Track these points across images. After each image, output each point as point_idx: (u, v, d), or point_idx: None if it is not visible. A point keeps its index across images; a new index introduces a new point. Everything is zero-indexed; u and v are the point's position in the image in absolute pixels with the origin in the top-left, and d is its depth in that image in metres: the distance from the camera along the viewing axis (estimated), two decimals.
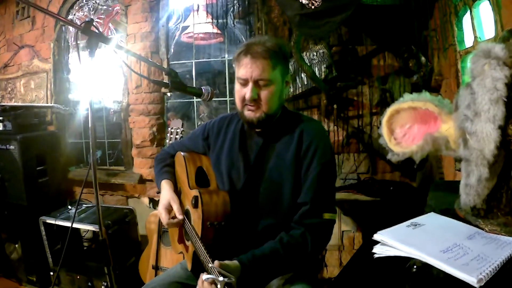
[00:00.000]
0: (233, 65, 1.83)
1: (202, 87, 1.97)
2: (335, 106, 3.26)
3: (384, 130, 1.45)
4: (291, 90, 3.33)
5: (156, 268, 3.03)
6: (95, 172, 1.78)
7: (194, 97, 3.81)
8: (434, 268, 1.01)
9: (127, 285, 2.75)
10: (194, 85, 3.69)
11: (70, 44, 4.24)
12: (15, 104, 4.20)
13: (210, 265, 1.49)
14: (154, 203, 3.83)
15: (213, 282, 1.45)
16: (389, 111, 1.42)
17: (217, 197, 1.81)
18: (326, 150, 1.79)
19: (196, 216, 1.81)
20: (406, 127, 1.41)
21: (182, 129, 2.91)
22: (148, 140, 3.81)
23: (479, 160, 1.11)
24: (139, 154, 3.90)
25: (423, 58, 3.07)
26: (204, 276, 1.44)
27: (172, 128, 2.95)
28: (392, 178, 3.36)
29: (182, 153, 2.06)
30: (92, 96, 1.83)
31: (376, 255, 1.16)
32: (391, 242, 1.14)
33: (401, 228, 1.26)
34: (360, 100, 3.32)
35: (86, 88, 3.95)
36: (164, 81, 1.97)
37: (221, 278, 1.41)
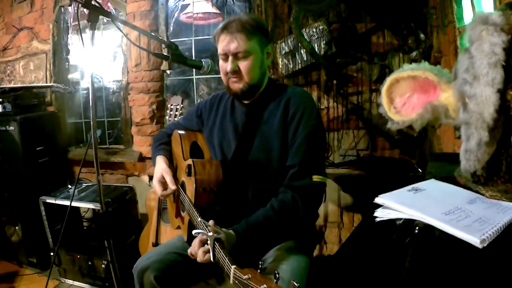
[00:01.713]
0: (215, 44, 1.91)
1: (202, 60, 2.02)
2: (334, 81, 3.25)
3: (383, 99, 1.45)
4: (291, 66, 3.32)
5: (156, 245, 3.02)
6: (96, 149, 1.82)
7: (194, 75, 3.87)
8: (436, 229, 1.02)
9: (127, 263, 2.74)
10: None
11: (69, 25, 4.22)
12: (15, 85, 4.18)
13: (199, 219, 1.56)
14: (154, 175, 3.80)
15: (203, 238, 1.50)
16: (388, 80, 1.42)
17: (209, 165, 1.90)
18: (313, 114, 1.84)
19: (190, 184, 1.86)
20: (406, 97, 1.41)
21: (182, 105, 2.91)
22: (147, 117, 3.81)
23: (478, 123, 1.12)
24: (138, 132, 3.90)
25: (422, 35, 3.06)
26: (194, 231, 1.49)
27: (172, 105, 2.95)
28: (391, 155, 3.37)
29: (178, 131, 2.13)
30: (93, 73, 1.86)
31: (377, 219, 1.17)
32: (392, 205, 1.15)
33: (403, 192, 1.27)
34: (359, 77, 3.31)
35: (86, 66, 4.02)
36: (165, 54, 1.98)
37: (210, 233, 1.44)
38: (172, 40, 2.06)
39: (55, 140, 3.93)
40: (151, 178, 3.78)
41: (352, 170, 3.09)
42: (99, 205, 2.85)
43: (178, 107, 2.90)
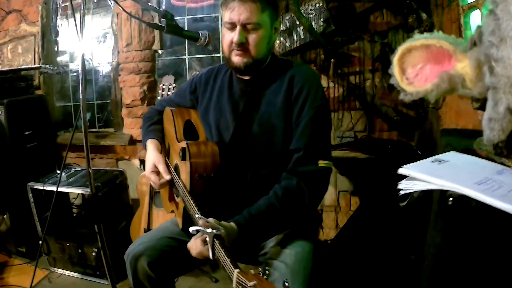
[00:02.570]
0: (221, 10, 1.75)
1: (199, 31, 1.88)
2: (332, 60, 3.16)
3: (395, 69, 1.36)
4: (288, 44, 3.22)
5: (148, 231, 2.91)
6: (85, 131, 1.76)
7: (186, 55, 3.76)
8: (471, 199, 0.93)
9: (118, 250, 2.66)
10: (186, 42, 3.64)
11: (58, 6, 4.09)
12: (2, 69, 4.09)
13: (197, 215, 1.43)
14: (145, 164, 3.69)
15: (202, 236, 1.39)
16: (400, 49, 1.34)
17: (205, 148, 1.75)
18: (318, 94, 1.71)
19: (184, 169, 1.74)
20: (418, 67, 1.33)
21: (174, 85, 2.81)
22: (138, 99, 3.72)
23: (507, 87, 1.03)
24: (129, 114, 3.81)
25: (423, 14, 2.96)
26: (191, 228, 1.36)
27: (164, 85, 2.84)
28: (389, 137, 3.30)
29: (170, 108, 1.98)
30: (84, 54, 1.78)
31: (402, 191, 1.08)
32: (420, 176, 1.06)
33: (426, 163, 1.18)
34: (358, 56, 3.23)
35: (76, 48, 3.91)
36: (160, 24, 1.86)
37: (209, 230, 1.33)
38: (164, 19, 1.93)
39: (43, 124, 3.81)
40: (142, 161, 3.69)
41: (349, 151, 3.00)
42: (88, 190, 2.79)
43: (170, 86, 2.80)
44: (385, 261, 2.36)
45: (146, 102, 3.74)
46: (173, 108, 1.97)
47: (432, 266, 1.07)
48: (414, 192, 2.24)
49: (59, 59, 4.18)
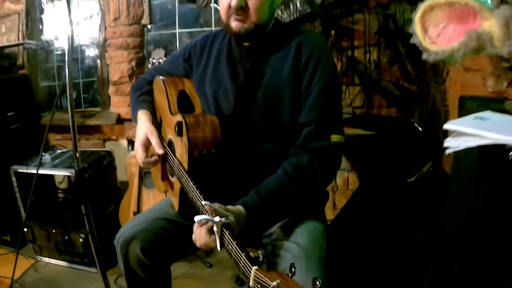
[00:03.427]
0: None
1: None
2: (332, 32, 3.02)
3: (417, 28, 1.28)
4: (284, 16, 3.08)
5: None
6: (72, 109, 1.70)
7: (177, 29, 3.62)
8: None
9: (107, 235, 2.54)
10: (176, 15, 3.52)
11: None
12: None
13: (202, 202, 1.27)
14: (133, 145, 3.56)
15: (208, 225, 1.24)
16: (422, 7, 1.26)
17: (204, 121, 1.58)
18: (329, 62, 1.56)
19: (181, 146, 1.58)
20: (441, 27, 1.26)
21: (164, 58, 2.65)
22: (126, 75, 3.58)
23: None
24: (116, 92, 3.67)
25: None
26: (196, 218, 1.22)
27: (153, 59, 2.69)
28: (388, 114, 3.18)
29: (161, 77, 1.80)
30: (71, 30, 1.66)
31: (449, 150, 0.97)
32: (471, 131, 0.96)
33: (470, 121, 1.09)
34: (357, 29, 3.09)
35: (62, 24, 3.73)
36: None
37: (217, 219, 1.18)
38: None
39: (27, 105, 3.64)
40: (130, 142, 3.53)
41: (348, 128, 2.88)
42: (74, 171, 2.65)
43: (160, 60, 2.65)
44: (391, 241, 2.28)
45: (134, 78, 3.60)
46: (165, 78, 1.80)
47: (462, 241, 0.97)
48: (423, 166, 2.15)
49: (43, 37, 3.99)
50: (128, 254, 1.61)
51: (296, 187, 1.44)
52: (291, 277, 0.94)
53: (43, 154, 3.15)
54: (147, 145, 1.69)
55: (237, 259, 1.10)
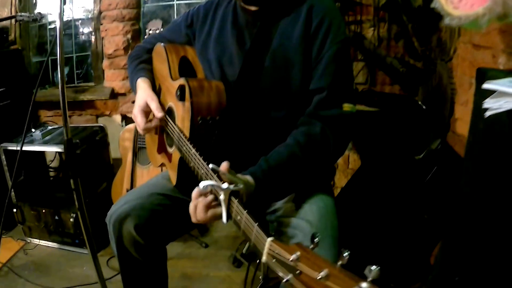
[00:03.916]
0: None
1: None
2: (337, 4, 2.89)
3: None
4: None
5: None
6: (62, 78, 1.56)
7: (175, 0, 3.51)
8: None
9: (99, 214, 2.45)
10: None
11: None
12: None
13: (210, 166, 1.14)
14: (127, 120, 3.49)
15: (207, 199, 1.13)
16: None
17: (209, 86, 1.46)
18: (341, 28, 1.44)
19: (183, 111, 1.46)
20: None
21: (162, 29, 2.53)
22: (121, 48, 3.48)
23: None
24: (111, 66, 3.56)
25: None
26: (201, 183, 1.09)
27: (150, 30, 2.60)
28: (391, 91, 3.09)
29: (161, 44, 1.69)
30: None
31: (489, 112, 0.87)
32: None
33: (506, 82, 0.99)
34: (361, 3, 2.98)
35: None
36: None
37: (224, 185, 1.06)
38: None
39: (19, 81, 3.51)
40: (124, 117, 3.43)
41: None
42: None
43: (157, 31, 2.54)
44: (395, 220, 2.22)
45: (129, 51, 3.40)
46: (165, 44, 1.69)
47: None
48: (432, 143, 2.07)
49: (36, 11, 3.81)
50: (122, 233, 1.50)
51: (307, 157, 1.33)
52: (313, 249, 0.83)
53: (33, 130, 3.05)
54: (146, 111, 1.59)
55: (248, 231, 0.99)
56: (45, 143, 2.88)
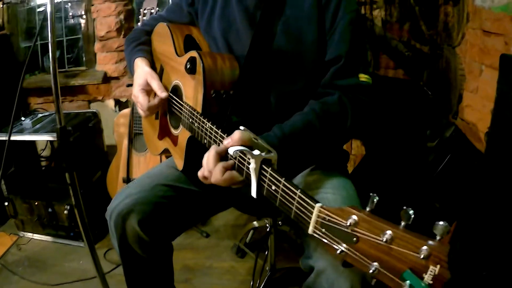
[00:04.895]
0: None
1: None
2: None
3: None
4: None
5: (128, 181, 2.64)
6: (55, 69, 1.52)
7: None
8: None
9: (94, 205, 2.34)
10: None
11: None
12: None
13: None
14: (121, 105, 3.42)
15: (229, 163, 1.05)
16: None
17: (221, 58, 1.38)
18: None
19: (193, 86, 1.37)
20: None
21: (157, 9, 2.42)
22: (114, 30, 3.35)
23: None
24: (103, 48, 3.44)
25: None
26: (230, 149, 1.01)
27: (145, 9, 2.46)
28: (395, 76, 2.99)
29: (163, 23, 1.61)
30: None
31: None
32: None
33: None
34: None
35: None
36: None
37: (256, 152, 0.97)
38: None
39: (7, 67, 3.39)
40: (117, 102, 3.38)
41: None
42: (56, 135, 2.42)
43: (153, 11, 2.43)
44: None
45: (122, 33, 3.39)
46: (168, 23, 1.60)
47: None
48: (446, 131, 2.00)
49: None
50: (126, 230, 1.39)
51: (324, 126, 1.24)
52: (370, 212, 0.73)
53: (23, 118, 2.92)
54: (147, 89, 1.50)
55: (287, 201, 0.90)
56: (36, 131, 2.75)
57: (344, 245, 0.73)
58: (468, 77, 2.41)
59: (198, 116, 1.27)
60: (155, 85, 1.47)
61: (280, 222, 2.33)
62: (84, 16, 3.53)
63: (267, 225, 2.21)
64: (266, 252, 2.23)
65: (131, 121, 2.66)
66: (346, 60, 1.30)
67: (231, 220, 2.91)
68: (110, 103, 3.52)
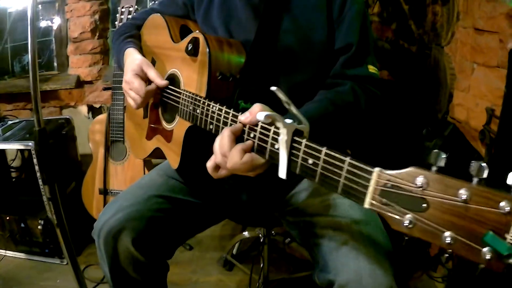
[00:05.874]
0: None
1: None
2: None
3: None
4: None
5: (105, 192, 2.51)
6: (35, 72, 1.50)
7: None
8: None
9: (69, 218, 2.17)
10: None
11: None
12: None
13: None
14: (94, 112, 3.28)
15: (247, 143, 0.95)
16: None
17: (226, 41, 1.28)
18: None
19: (195, 69, 1.26)
20: None
21: (136, 7, 2.31)
22: (88, 30, 3.23)
23: None
24: (76, 50, 3.31)
25: None
26: (259, 114, 0.88)
27: (123, 7, 2.34)
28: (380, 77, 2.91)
29: (157, 14, 1.51)
30: None
31: None
32: None
33: None
34: None
35: None
36: None
37: (288, 120, 0.84)
38: None
39: None
40: (90, 108, 3.23)
41: None
42: (30, 144, 2.28)
43: (131, 9, 2.32)
44: None
45: (97, 34, 3.27)
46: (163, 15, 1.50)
47: None
48: (445, 130, 1.99)
49: None
50: (117, 250, 1.26)
51: (340, 115, 1.17)
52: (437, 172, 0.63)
53: None
54: (142, 76, 1.38)
55: (331, 173, 0.77)
56: (6, 140, 2.58)
57: (412, 214, 0.63)
58: (459, 76, 2.41)
59: (202, 100, 1.16)
60: (152, 73, 1.36)
61: (273, 232, 2.24)
62: (57, 16, 3.39)
63: (260, 235, 2.12)
64: (262, 265, 2.13)
65: (107, 128, 2.52)
66: (356, 48, 1.25)
67: (214, 230, 2.80)
68: (83, 109, 3.39)
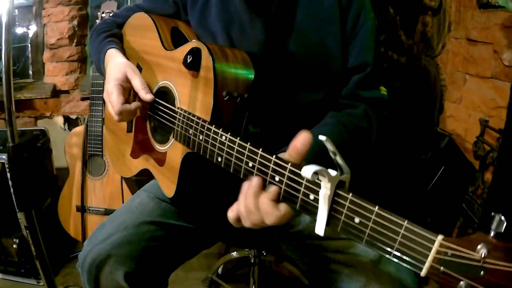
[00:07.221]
0: None
1: None
2: None
3: None
4: None
5: (83, 210, 2.41)
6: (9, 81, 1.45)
7: None
8: None
9: (45, 236, 2.02)
10: None
11: None
12: None
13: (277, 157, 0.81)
14: (71, 123, 3.16)
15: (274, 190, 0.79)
16: None
17: (231, 52, 1.08)
18: (370, 4, 1.25)
19: (193, 86, 1.08)
20: None
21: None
22: (66, 37, 3.11)
23: None
24: (53, 58, 3.18)
25: None
26: (305, 169, 0.71)
27: (103, 13, 2.26)
28: None
29: (143, 13, 1.35)
30: None
31: None
32: None
33: None
34: None
35: None
36: None
37: (333, 172, 0.70)
38: None
39: None
40: (67, 119, 3.10)
41: None
42: (3, 157, 2.14)
43: (111, 15, 2.17)
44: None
45: (75, 41, 3.16)
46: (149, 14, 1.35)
47: None
48: (440, 142, 2.11)
49: None
50: (101, 281, 1.13)
51: (353, 141, 1.12)
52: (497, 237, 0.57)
53: None
54: (125, 86, 1.19)
55: (387, 236, 0.65)
56: None
57: (468, 281, 0.57)
58: (450, 87, 2.42)
59: (207, 126, 0.97)
60: (138, 82, 1.17)
61: (264, 252, 2.15)
62: (34, 21, 3.26)
63: (250, 256, 2.04)
64: (253, 286, 2.08)
65: (85, 141, 2.40)
66: (372, 69, 1.18)
67: None
68: (59, 120, 3.26)
